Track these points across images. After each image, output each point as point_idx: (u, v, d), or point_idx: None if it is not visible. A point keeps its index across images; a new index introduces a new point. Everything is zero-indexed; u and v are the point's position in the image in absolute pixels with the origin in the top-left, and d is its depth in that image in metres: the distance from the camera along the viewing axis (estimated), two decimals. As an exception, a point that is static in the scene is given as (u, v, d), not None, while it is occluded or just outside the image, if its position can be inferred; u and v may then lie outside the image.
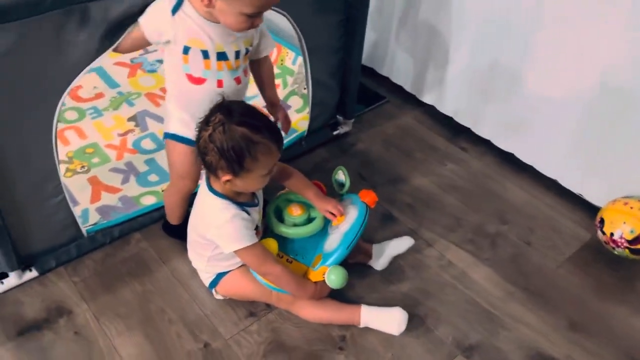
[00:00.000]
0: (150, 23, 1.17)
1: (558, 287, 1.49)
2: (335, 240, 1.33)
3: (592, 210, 1.65)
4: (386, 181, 1.77)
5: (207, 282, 1.36)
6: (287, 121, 1.49)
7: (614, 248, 1.52)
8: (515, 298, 1.45)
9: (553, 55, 1.59)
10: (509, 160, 1.86)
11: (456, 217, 1.67)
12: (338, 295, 1.39)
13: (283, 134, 1.26)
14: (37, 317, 1.31)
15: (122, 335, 1.29)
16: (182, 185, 1.37)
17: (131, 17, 1.16)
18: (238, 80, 1.28)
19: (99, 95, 1.97)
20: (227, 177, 1.16)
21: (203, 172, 1.27)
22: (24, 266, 1.36)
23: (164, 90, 1.98)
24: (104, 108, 1.92)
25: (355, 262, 1.47)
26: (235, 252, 1.21)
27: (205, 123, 1.15)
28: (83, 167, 1.68)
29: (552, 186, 1.77)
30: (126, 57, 2.15)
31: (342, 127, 1.92)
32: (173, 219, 1.46)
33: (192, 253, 1.36)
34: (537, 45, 1.61)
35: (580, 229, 1.66)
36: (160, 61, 2.16)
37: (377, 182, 1.76)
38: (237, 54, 1.24)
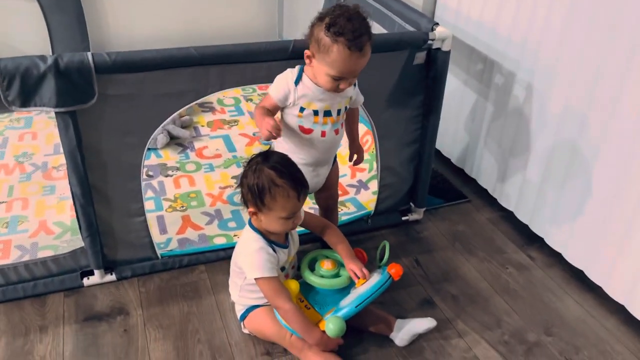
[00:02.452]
0: (278, 93, 1.48)
1: (585, 410, 1.38)
2: (350, 299, 1.43)
3: (655, 344, 1.52)
4: (439, 271, 1.82)
5: (238, 315, 1.54)
6: (359, 154, 1.71)
7: (663, 385, 1.38)
8: (532, 408, 1.38)
9: (625, 174, 1.57)
10: (578, 277, 1.80)
11: (498, 317, 1.65)
12: (349, 357, 1.46)
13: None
14: (102, 311, 1.60)
15: (157, 342, 1.51)
16: None
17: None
18: (337, 132, 1.57)
19: (217, 156, 2.35)
20: (252, 209, 1.39)
21: None
22: (107, 269, 1.68)
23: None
24: (217, 166, 2.28)
25: (376, 332, 1.54)
26: (255, 280, 1.39)
27: (248, 162, 1.41)
28: (182, 206, 2.02)
29: (618, 311, 1.67)
30: (249, 130, 2.54)
31: (413, 215, 2.03)
32: None
33: (230, 283, 1.56)
34: (608, 164, 1.61)
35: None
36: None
37: (430, 270, 1.82)
38: (339, 111, 1.55)
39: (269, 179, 1.35)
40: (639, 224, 1.54)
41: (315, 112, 1.51)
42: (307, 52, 1.45)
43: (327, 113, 1.53)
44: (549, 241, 1.89)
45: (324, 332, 1.39)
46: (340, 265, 1.54)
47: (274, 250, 1.42)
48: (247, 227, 1.46)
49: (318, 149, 1.56)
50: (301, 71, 1.50)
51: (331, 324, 1.35)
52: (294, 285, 1.44)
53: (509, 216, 2.06)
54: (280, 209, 1.36)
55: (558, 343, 1.57)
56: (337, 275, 1.52)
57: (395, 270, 1.48)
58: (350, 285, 1.50)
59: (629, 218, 1.57)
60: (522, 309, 1.68)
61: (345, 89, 1.47)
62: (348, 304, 1.42)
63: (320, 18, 1.41)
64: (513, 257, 1.90)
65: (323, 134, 1.54)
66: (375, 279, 1.46)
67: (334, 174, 1.71)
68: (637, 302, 1.60)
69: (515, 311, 1.67)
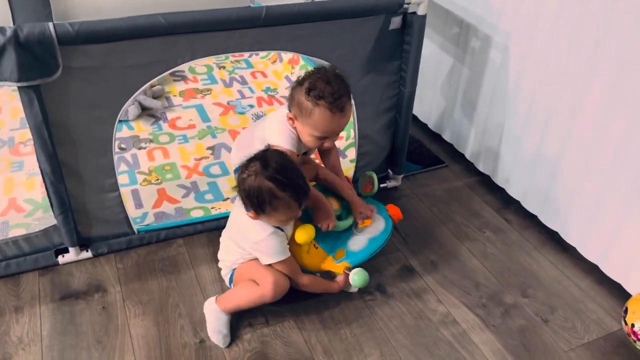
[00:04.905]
0: (295, 148, 1.53)
1: (561, 368, 1.42)
2: (360, 242, 1.50)
3: (628, 301, 1.56)
4: (417, 236, 1.83)
5: (226, 278, 1.54)
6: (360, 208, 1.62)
7: (635, 341, 1.43)
8: (510, 368, 1.42)
9: (599, 137, 1.58)
10: (553, 238, 1.83)
11: (476, 281, 1.67)
12: (332, 324, 1.47)
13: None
14: (79, 289, 1.57)
15: (137, 318, 1.50)
16: None
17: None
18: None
19: (191, 126, 2.30)
20: (251, 214, 1.36)
21: None
22: (82, 246, 1.65)
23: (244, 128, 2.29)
24: (192, 136, 2.23)
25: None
26: (272, 264, 1.39)
27: (245, 167, 1.35)
28: (157, 179, 1.98)
29: (592, 271, 1.71)
30: (223, 99, 2.49)
31: (391, 182, 2.03)
32: None
33: (226, 255, 1.53)
34: (582, 127, 1.61)
35: (609, 318, 1.57)
36: (251, 106, 2.46)
37: (408, 236, 1.82)
38: (305, 153, 1.68)
39: (269, 192, 1.31)
40: (613, 186, 1.56)
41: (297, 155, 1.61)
42: (289, 115, 1.49)
43: (305, 154, 1.67)
44: (525, 204, 1.92)
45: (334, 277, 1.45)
46: (342, 201, 1.58)
47: (282, 229, 1.42)
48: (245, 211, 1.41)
49: None
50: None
51: (356, 276, 1.43)
52: (310, 230, 1.44)
53: (485, 180, 2.08)
54: (282, 215, 1.35)
55: (534, 304, 1.61)
56: (340, 216, 1.56)
57: (395, 213, 1.58)
58: (353, 223, 1.56)
59: (603, 180, 1.59)
60: (499, 271, 1.71)
61: (329, 146, 1.53)
62: (361, 250, 1.50)
63: (299, 82, 1.46)
64: (490, 221, 1.92)
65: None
66: (381, 224, 1.54)
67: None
68: (610, 262, 1.64)
69: (492, 274, 1.70)
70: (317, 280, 1.50)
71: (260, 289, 1.41)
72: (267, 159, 1.34)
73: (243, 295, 1.44)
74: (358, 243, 1.51)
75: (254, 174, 1.32)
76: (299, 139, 1.53)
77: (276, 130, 1.52)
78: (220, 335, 1.42)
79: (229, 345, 1.44)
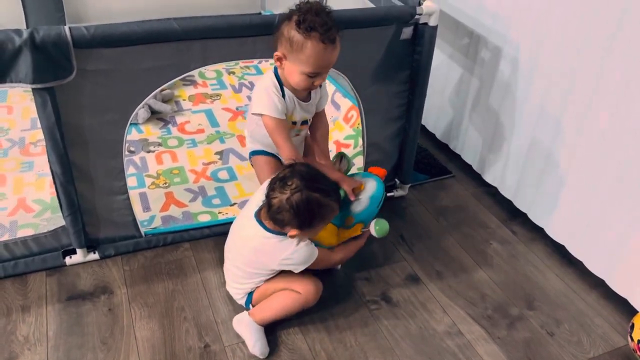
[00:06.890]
0: (279, 112, 1.50)
1: (566, 382, 1.42)
2: (363, 203, 1.53)
3: (634, 317, 1.55)
4: (423, 246, 1.83)
5: (243, 302, 1.53)
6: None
7: (640, 357, 1.42)
8: (514, 381, 1.41)
9: (607, 150, 1.58)
10: (559, 251, 1.82)
11: (482, 292, 1.67)
12: (335, 327, 1.48)
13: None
14: (85, 290, 1.58)
15: (142, 320, 1.50)
16: None
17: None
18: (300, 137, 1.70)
19: (200, 131, 2.31)
20: (294, 232, 1.36)
21: None
22: (90, 248, 1.65)
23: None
24: (200, 141, 2.24)
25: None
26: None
27: (282, 187, 1.34)
28: (165, 183, 1.99)
29: (597, 285, 1.70)
30: (232, 105, 2.50)
31: (398, 191, 2.03)
32: None
33: (237, 282, 1.52)
34: (591, 139, 1.62)
35: (615, 333, 1.56)
36: (260, 111, 2.47)
37: (415, 245, 1.83)
38: (305, 122, 1.64)
39: (318, 203, 1.33)
40: (620, 200, 1.56)
41: (294, 122, 1.59)
42: (277, 54, 1.44)
43: (305, 122, 1.62)
44: (532, 216, 1.91)
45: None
46: None
47: None
48: (264, 233, 1.40)
49: None
50: (282, 84, 1.50)
51: (377, 226, 1.49)
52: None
53: (492, 192, 2.08)
54: (324, 223, 1.41)
55: (540, 317, 1.60)
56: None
57: (380, 172, 1.61)
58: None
59: (610, 195, 1.59)
60: (505, 283, 1.71)
61: (319, 84, 1.48)
62: (367, 207, 1.53)
63: (287, 17, 1.41)
64: (496, 232, 1.92)
65: (296, 135, 1.65)
66: (372, 183, 1.57)
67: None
68: (616, 277, 1.63)
69: (498, 286, 1.70)
70: (346, 248, 1.55)
71: (302, 296, 1.44)
72: (302, 173, 1.35)
73: (284, 306, 1.44)
74: (361, 205, 1.54)
75: (298, 190, 1.32)
76: (284, 96, 1.50)
77: (258, 97, 1.49)
78: (262, 344, 1.43)
79: (233, 350, 1.44)
